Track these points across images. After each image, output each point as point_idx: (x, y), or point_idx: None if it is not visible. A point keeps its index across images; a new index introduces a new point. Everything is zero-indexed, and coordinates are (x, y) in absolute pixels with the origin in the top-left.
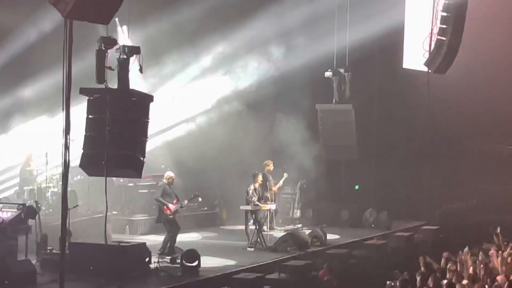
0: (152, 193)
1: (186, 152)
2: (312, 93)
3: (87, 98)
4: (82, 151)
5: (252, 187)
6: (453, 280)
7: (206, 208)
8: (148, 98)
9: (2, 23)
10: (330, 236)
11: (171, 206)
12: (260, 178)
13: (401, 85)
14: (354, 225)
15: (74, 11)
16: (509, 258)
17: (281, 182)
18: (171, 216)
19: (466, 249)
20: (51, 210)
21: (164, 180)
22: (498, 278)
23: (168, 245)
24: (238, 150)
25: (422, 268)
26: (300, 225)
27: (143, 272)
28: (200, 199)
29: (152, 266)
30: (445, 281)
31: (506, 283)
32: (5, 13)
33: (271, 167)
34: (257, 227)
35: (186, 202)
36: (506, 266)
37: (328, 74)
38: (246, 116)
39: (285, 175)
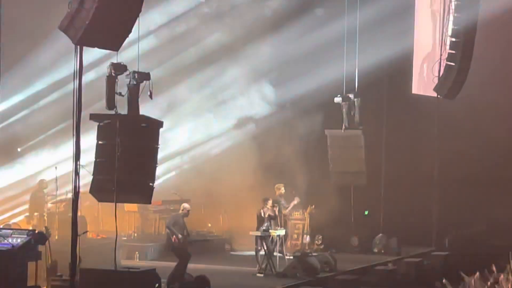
0: (162, 219)
1: (196, 177)
2: (322, 118)
3: (97, 124)
4: (92, 177)
5: (262, 211)
6: None
7: (215, 234)
8: (158, 124)
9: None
10: (339, 262)
11: (180, 236)
12: (270, 203)
13: (411, 110)
14: (363, 251)
15: (85, 38)
16: None
17: (291, 206)
18: (180, 246)
19: (477, 274)
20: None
21: (180, 211)
22: None
23: (178, 272)
24: (247, 175)
25: None
26: (309, 251)
27: None
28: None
29: None
30: None
31: None
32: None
33: (282, 191)
34: (267, 253)
35: (196, 239)
36: None
37: (337, 99)
38: (255, 142)
39: (296, 199)
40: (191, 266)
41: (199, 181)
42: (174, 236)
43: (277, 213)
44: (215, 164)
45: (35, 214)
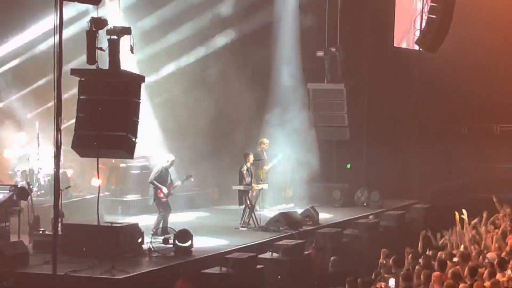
0: (144, 174)
1: (177, 132)
2: (304, 72)
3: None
4: (73, 132)
5: (245, 167)
6: (443, 257)
7: (198, 188)
8: (139, 79)
9: None
10: (322, 216)
11: (164, 189)
12: (251, 157)
13: (392, 64)
14: (346, 204)
15: None
16: (499, 233)
17: (275, 161)
18: (164, 199)
19: (458, 227)
20: (43, 192)
21: (166, 163)
22: (489, 255)
23: (161, 225)
24: (230, 129)
25: (420, 246)
26: (292, 205)
27: (135, 252)
28: (192, 180)
29: (144, 246)
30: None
31: (496, 260)
32: None
33: (266, 146)
34: (250, 207)
35: (179, 183)
36: (497, 242)
37: (319, 53)
38: (238, 94)
39: (280, 155)
40: (174, 220)
41: (181, 135)
42: (159, 190)
43: (260, 166)
44: (198, 120)
45: (17, 169)
